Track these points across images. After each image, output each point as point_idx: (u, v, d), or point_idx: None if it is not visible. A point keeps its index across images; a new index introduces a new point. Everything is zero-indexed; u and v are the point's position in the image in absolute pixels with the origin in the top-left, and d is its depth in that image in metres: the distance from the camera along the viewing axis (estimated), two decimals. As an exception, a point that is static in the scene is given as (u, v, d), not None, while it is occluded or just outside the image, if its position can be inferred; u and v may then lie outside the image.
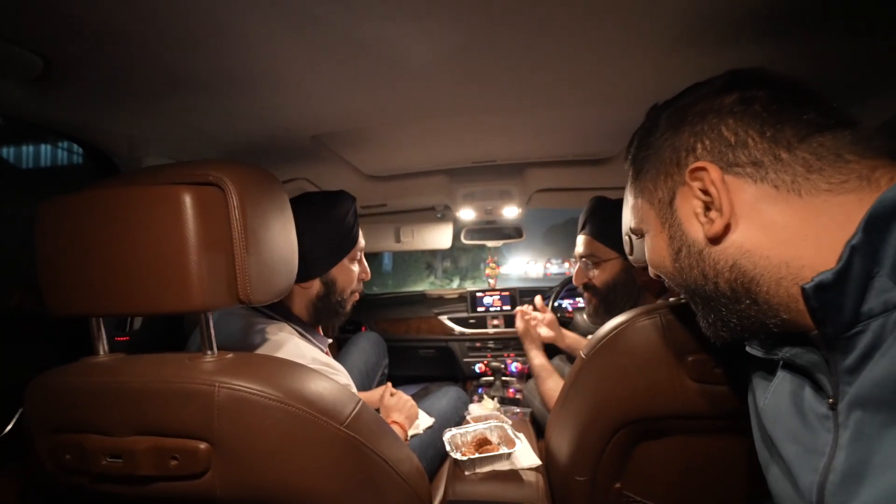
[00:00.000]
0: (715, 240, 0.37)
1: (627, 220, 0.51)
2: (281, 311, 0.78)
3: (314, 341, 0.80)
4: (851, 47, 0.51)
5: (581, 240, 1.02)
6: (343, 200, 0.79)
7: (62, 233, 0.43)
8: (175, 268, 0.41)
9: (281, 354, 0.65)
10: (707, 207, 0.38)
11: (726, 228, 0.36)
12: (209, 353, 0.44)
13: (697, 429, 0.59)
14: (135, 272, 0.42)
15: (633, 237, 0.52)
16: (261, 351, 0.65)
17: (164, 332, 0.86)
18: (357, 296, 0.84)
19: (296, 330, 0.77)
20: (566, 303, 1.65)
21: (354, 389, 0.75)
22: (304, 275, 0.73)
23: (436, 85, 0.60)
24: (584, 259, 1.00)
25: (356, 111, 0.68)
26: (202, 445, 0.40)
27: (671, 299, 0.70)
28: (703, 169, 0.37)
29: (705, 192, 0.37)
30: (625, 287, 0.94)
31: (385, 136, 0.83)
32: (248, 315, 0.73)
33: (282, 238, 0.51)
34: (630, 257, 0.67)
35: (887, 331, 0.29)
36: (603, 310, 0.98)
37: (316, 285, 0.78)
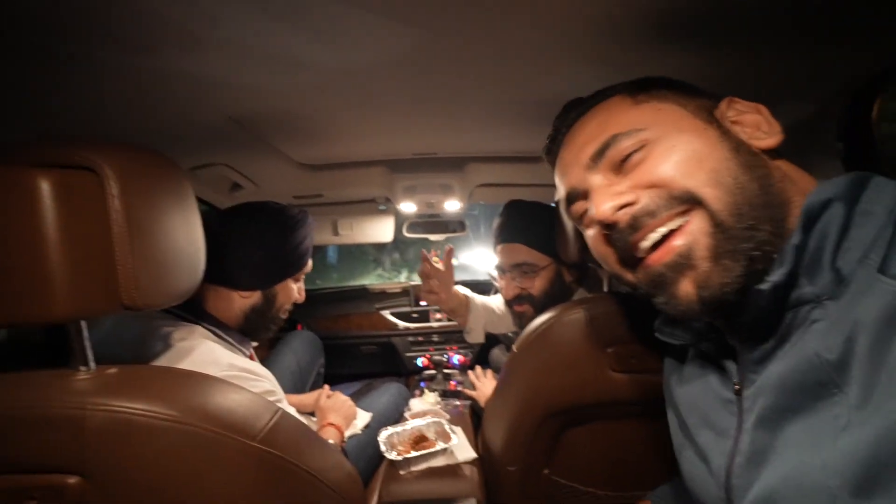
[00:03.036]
0: (770, 152, 0.35)
1: (603, 134, 0.38)
2: (194, 311, 0.70)
3: (234, 344, 0.73)
4: (750, 62, 0.55)
5: (509, 248, 0.96)
6: (306, 224, 0.81)
7: None
8: (29, 270, 0.33)
9: (189, 361, 0.58)
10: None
11: (774, 150, 0.35)
12: (83, 369, 0.37)
13: (619, 414, 0.63)
14: (-27, 275, 0.34)
15: (599, 156, 0.38)
16: (163, 359, 0.58)
17: (42, 340, 0.73)
18: (287, 314, 0.84)
19: (211, 332, 0.69)
20: None
21: (281, 395, 0.69)
22: (248, 284, 0.74)
23: (369, 76, 0.56)
24: (516, 269, 0.95)
25: (281, 93, 0.61)
26: (71, 480, 0.34)
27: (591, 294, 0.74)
28: (740, 101, 0.37)
29: (736, 123, 0.36)
30: (560, 292, 0.93)
31: (317, 122, 0.77)
32: (152, 318, 0.64)
33: (181, 232, 0.45)
34: (569, 250, 0.68)
35: (796, 324, 0.31)
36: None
37: (256, 297, 0.76)
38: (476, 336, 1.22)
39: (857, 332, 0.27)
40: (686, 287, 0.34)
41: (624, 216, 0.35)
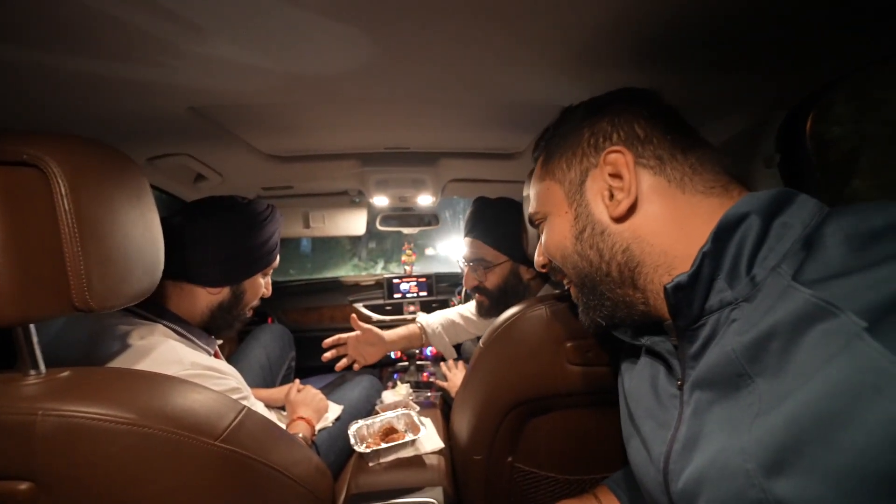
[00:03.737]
0: (618, 219, 0.40)
1: (528, 207, 0.53)
2: (154, 309, 0.68)
3: (198, 342, 0.72)
4: (691, 82, 0.59)
5: (469, 243, 1.01)
6: (275, 220, 0.81)
7: None
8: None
9: (150, 361, 0.57)
10: (611, 194, 0.41)
11: (629, 211, 0.40)
12: (32, 373, 0.36)
13: (576, 404, 0.67)
14: None
15: (531, 225, 0.54)
16: (121, 360, 0.56)
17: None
18: (253, 310, 0.84)
19: (173, 330, 0.68)
20: None
21: (247, 392, 0.69)
22: (216, 280, 0.73)
23: (336, 79, 0.55)
24: (473, 262, 1.00)
25: (242, 91, 0.59)
26: (22, 486, 0.33)
27: (556, 291, 0.78)
28: (619, 152, 0.40)
29: (614, 175, 0.40)
30: (514, 288, 0.98)
31: (283, 116, 0.75)
32: (108, 317, 0.62)
33: (138, 230, 0.44)
34: (528, 251, 0.72)
35: (721, 324, 0.35)
36: (494, 309, 1.01)
37: (224, 293, 0.75)
38: (448, 355, 1.26)
39: (775, 331, 0.30)
40: (580, 315, 0.49)
41: (547, 268, 0.53)
